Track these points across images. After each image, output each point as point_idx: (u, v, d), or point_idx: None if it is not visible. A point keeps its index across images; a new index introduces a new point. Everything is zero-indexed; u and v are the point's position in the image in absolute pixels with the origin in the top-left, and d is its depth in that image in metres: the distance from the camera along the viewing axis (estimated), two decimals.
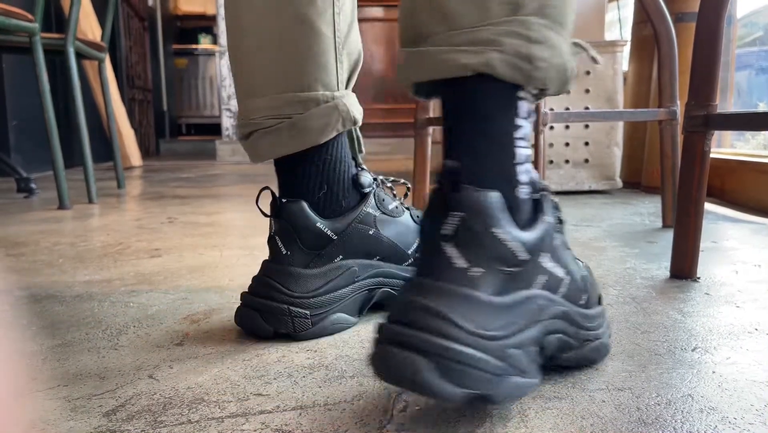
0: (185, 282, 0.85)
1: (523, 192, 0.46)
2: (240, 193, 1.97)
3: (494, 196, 0.42)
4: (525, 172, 0.46)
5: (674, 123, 1.18)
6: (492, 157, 0.44)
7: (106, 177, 2.42)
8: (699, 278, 0.83)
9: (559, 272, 0.47)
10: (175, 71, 5.93)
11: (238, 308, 0.63)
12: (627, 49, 1.96)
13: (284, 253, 0.61)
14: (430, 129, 1.31)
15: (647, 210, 1.44)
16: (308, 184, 0.63)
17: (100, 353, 0.59)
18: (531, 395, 0.48)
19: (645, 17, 1.33)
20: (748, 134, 1.94)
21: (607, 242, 1.09)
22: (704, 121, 0.77)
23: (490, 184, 0.43)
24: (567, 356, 0.50)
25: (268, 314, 0.60)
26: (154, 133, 4.93)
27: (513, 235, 0.43)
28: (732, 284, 0.80)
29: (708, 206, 1.50)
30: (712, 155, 1.70)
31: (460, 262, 0.41)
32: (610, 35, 2.20)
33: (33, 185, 1.93)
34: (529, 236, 0.44)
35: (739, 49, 2.06)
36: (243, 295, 0.63)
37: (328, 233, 0.62)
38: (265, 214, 0.64)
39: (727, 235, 1.14)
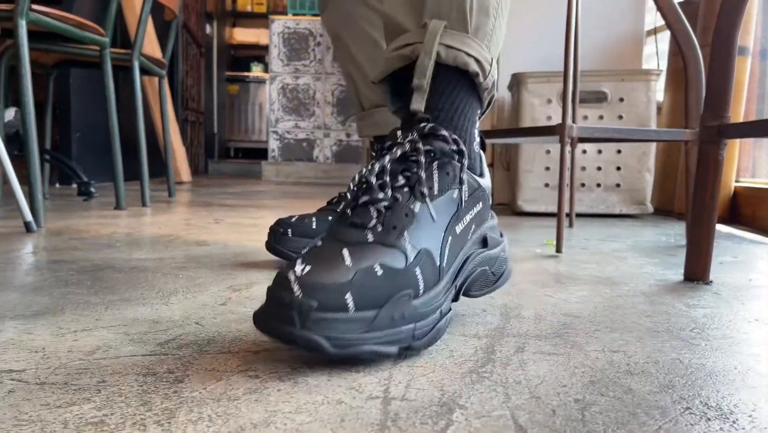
0: (230, 263, 0.93)
1: None
2: (282, 205, 2.06)
3: None
4: None
5: None
6: None
7: (158, 189, 2.56)
8: (711, 281, 0.86)
9: None
10: (227, 96, 6.18)
11: None
12: (663, 80, 2.00)
13: None
14: None
15: (675, 232, 1.47)
16: None
17: (154, 307, 0.67)
18: (532, 349, 0.54)
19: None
20: None
21: (629, 253, 1.13)
22: (717, 131, 0.82)
23: None
24: None
25: None
26: (204, 154, 5.14)
27: None
28: (743, 287, 0.84)
29: (736, 231, 1.51)
30: (744, 184, 1.72)
31: None
32: (648, 67, 2.25)
33: (92, 189, 2.07)
34: None
35: None
36: None
37: None
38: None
39: (750, 253, 1.16)
